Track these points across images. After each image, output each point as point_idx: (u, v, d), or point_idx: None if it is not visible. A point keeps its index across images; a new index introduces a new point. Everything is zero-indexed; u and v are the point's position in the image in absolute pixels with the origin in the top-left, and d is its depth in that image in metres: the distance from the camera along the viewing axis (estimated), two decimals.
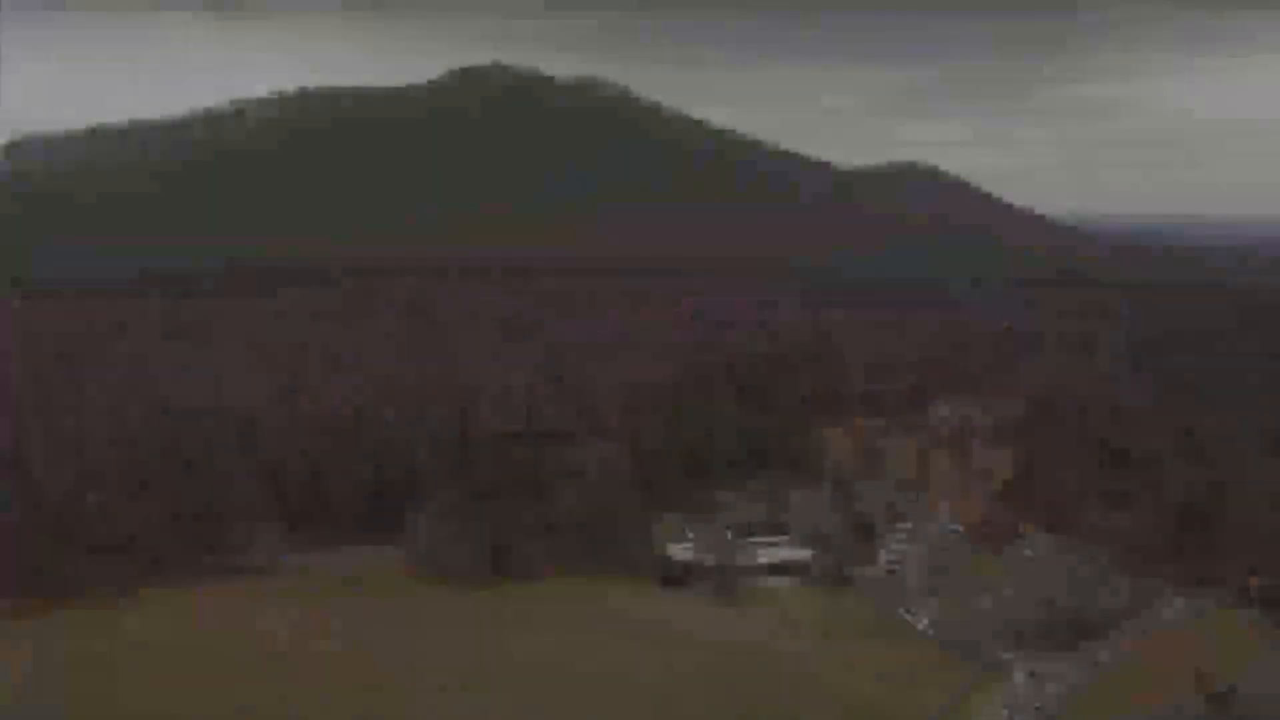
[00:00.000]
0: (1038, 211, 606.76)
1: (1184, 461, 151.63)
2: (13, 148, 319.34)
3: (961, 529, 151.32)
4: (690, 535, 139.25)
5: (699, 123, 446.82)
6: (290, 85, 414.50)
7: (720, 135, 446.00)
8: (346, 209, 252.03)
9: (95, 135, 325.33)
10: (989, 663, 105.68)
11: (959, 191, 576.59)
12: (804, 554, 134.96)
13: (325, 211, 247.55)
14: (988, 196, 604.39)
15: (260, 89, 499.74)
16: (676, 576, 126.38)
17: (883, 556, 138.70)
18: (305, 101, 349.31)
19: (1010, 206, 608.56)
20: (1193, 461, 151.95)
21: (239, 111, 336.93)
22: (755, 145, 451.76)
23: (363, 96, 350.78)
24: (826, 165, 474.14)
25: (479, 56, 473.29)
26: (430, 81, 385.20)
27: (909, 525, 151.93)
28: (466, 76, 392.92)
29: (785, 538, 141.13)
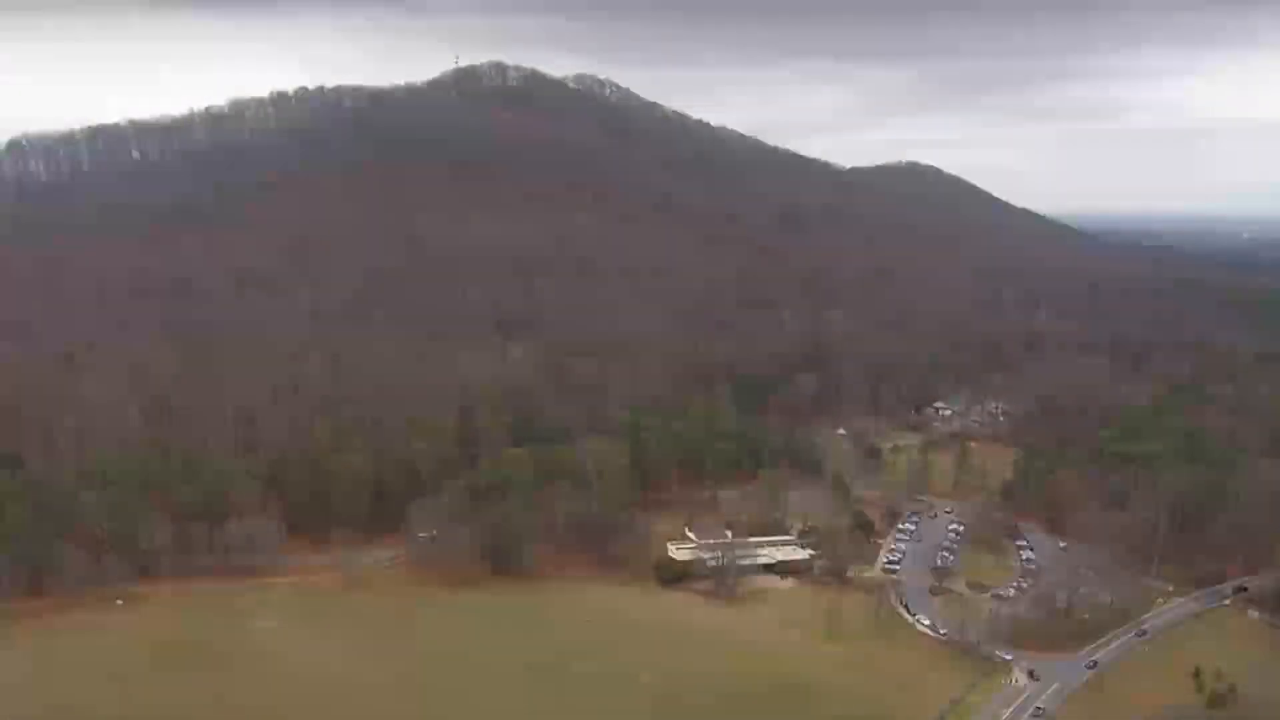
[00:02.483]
0: (1037, 211, 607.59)
1: (1183, 461, 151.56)
2: (13, 147, 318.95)
3: (961, 528, 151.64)
4: (691, 535, 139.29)
5: (699, 122, 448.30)
6: (290, 85, 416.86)
7: (719, 134, 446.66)
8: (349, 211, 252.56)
9: (95, 135, 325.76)
10: (989, 662, 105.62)
11: (960, 190, 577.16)
12: (804, 554, 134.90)
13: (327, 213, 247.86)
14: (989, 196, 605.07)
15: (261, 89, 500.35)
16: (677, 576, 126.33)
17: (883, 556, 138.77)
18: (305, 101, 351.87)
19: (1009, 205, 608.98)
20: (1192, 461, 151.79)
21: (239, 112, 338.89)
22: (756, 144, 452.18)
23: (362, 95, 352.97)
24: (826, 165, 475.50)
25: (479, 56, 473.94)
26: (429, 81, 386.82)
27: (909, 525, 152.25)
28: (466, 76, 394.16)
29: (786, 537, 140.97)
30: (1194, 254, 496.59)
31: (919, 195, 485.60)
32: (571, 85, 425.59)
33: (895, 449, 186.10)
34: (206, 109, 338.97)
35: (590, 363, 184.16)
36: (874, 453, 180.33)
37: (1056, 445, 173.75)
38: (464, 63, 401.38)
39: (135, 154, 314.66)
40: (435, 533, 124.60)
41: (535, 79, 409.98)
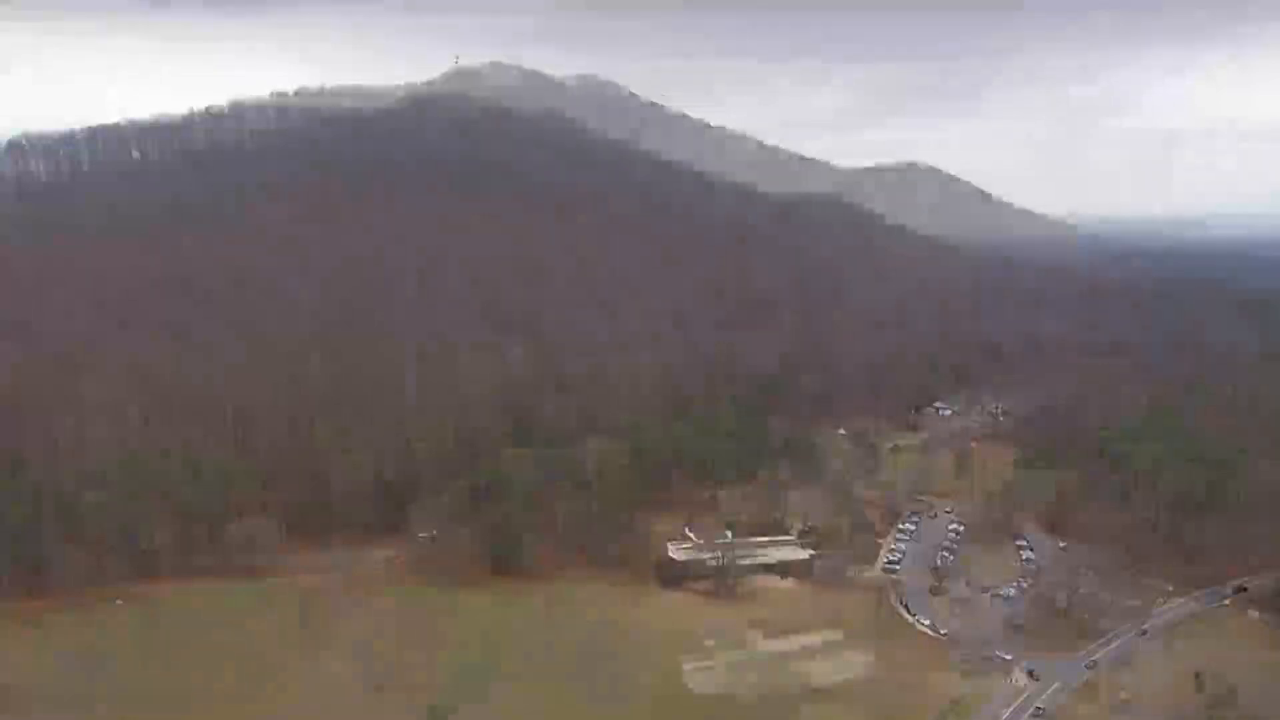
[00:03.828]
0: (1035, 210, 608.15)
1: (1183, 461, 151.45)
2: (13, 147, 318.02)
3: (961, 528, 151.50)
4: (690, 535, 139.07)
5: (700, 122, 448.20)
6: (290, 85, 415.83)
7: (719, 134, 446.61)
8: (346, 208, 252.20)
9: (95, 135, 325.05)
10: (989, 662, 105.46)
11: (959, 190, 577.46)
12: (805, 554, 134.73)
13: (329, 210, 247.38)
14: (987, 195, 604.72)
15: (262, 89, 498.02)
16: (677, 576, 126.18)
17: (883, 556, 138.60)
18: (305, 101, 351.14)
19: (1009, 205, 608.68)
20: (1192, 461, 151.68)
21: (239, 113, 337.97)
22: (755, 144, 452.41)
23: (361, 95, 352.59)
24: (827, 165, 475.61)
25: (478, 56, 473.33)
26: (429, 81, 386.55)
27: (909, 525, 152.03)
28: (466, 76, 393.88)
29: (786, 537, 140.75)
30: (1190, 254, 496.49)
31: (918, 194, 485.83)
32: (571, 85, 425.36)
33: (896, 449, 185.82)
34: (206, 109, 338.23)
35: (589, 363, 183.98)
36: (874, 452, 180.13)
37: (1056, 445, 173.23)
38: (464, 63, 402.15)
39: (135, 154, 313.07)
40: (435, 533, 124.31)
41: (536, 78, 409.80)
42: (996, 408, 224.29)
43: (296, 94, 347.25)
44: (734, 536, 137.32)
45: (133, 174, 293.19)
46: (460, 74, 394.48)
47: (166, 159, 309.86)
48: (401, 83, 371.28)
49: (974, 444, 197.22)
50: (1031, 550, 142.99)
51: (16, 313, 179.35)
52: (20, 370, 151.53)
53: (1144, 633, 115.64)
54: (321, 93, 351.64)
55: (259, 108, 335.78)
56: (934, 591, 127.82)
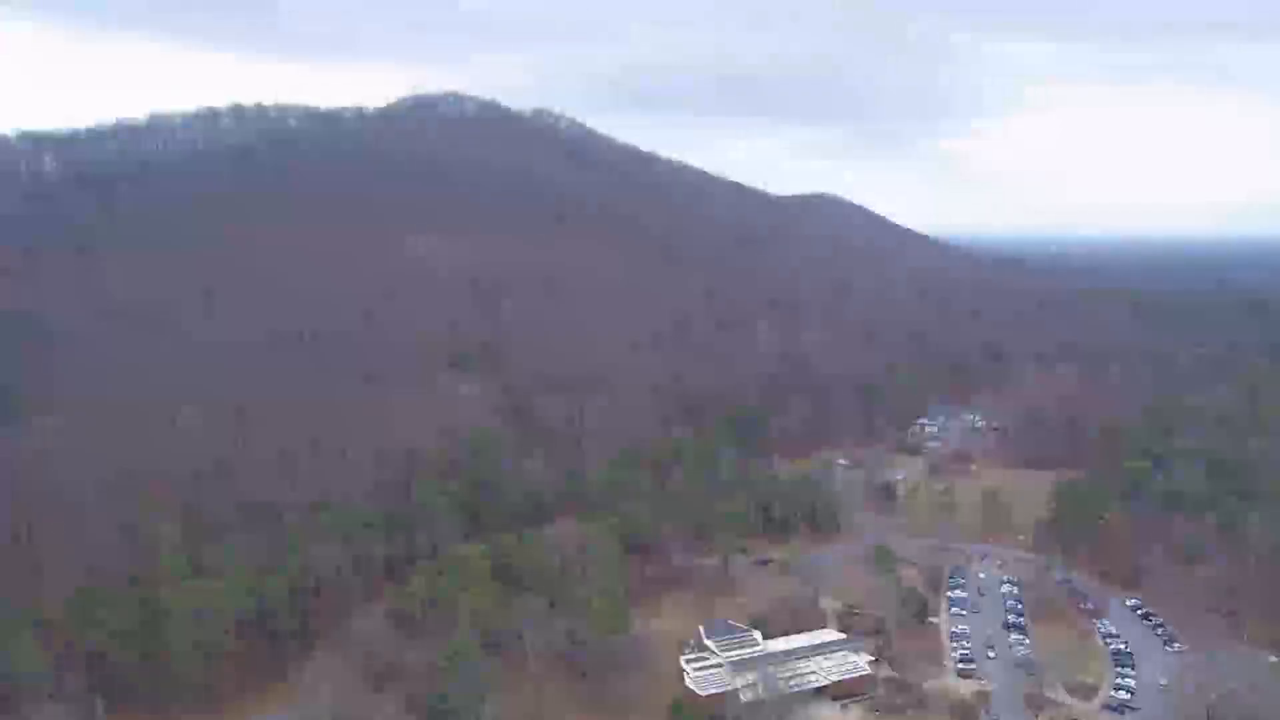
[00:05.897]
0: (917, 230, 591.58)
1: (1237, 499, 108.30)
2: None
3: (1015, 589, 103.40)
4: (710, 644, 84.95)
5: (650, 153, 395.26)
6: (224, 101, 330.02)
7: (671, 164, 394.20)
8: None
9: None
10: None
11: (858, 214, 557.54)
12: (863, 662, 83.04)
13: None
14: (881, 218, 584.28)
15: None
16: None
17: (951, 651, 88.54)
18: (243, 120, 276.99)
19: (896, 225, 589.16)
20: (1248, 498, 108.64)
21: (158, 126, 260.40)
22: (701, 173, 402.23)
23: (309, 116, 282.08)
24: (765, 195, 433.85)
25: (437, 86, 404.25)
26: (384, 107, 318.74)
27: (958, 592, 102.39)
28: (422, 104, 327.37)
29: (831, 635, 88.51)
30: (1051, 269, 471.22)
31: (833, 221, 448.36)
32: (528, 117, 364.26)
33: (914, 490, 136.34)
34: (117, 121, 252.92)
35: (559, 402, 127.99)
36: (890, 492, 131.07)
37: (1090, 478, 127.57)
38: (420, 91, 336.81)
39: (23, 167, 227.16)
40: (341, 701, 66.28)
41: (492, 109, 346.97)
42: (983, 422, 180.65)
43: (231, 111, 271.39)
44: (764, 637, 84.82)
45: (24, 192, 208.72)
46: (416, 101, 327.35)
47: (63, 174, 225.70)
48: (350, 104, 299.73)
49: (974, 466, 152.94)
50: (1107, 621, 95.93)
51: None
52: None
53: None
54: (262, 110, 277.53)
55: (184, 123, 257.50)
56: (1032, 704, 78.82)
